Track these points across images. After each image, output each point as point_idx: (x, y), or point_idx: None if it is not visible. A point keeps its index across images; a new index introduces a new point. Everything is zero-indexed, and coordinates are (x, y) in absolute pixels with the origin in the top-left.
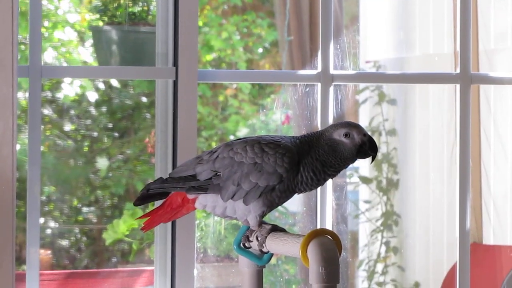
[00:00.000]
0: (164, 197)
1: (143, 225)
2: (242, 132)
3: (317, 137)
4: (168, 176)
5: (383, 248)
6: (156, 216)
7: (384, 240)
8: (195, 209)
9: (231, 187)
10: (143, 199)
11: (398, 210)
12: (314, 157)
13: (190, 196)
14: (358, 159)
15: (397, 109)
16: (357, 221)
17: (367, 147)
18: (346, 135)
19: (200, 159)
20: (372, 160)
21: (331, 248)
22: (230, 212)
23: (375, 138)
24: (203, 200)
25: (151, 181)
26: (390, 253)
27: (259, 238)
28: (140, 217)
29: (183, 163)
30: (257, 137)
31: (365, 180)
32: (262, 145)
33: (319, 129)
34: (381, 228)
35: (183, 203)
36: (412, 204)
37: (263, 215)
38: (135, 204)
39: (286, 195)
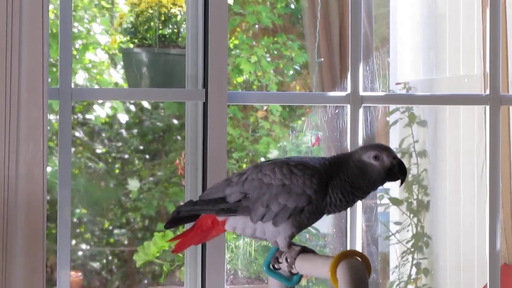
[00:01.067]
0: (195, 219)
1: (173, 248)
2: (273, 154)
3: (346, 158)
4: (198, 198)
5: (414, 269)
6: (187, 238)
7: (414, 261)
8: (225, 231)
9: (260, 209)
10: (174, 222)
11: (428, 231)
12: (343, 179)
13: (220, 218)
14: (387, 182)
15: (427, 130)
16: (388, 243)
17: (396, 170)
18: (375, 157)
19: (230, 181)
20: (401, 183)
21: (360, 270)
22: (260, 233)
23: (405, 160)
24: (233, 222)
25: (182, 204)
26: (420, 274)
27: (288, 260)
28: (171, 240)
29: (213, 185)
30: (286, 158)
31: (396, 201)
32: (290, 166)
33: (349, 150)
34: (412, 249)
35: (213, 225)
36: (443, 225)
37: (292, 236)
38: (166, 227)
39: (315, 216)
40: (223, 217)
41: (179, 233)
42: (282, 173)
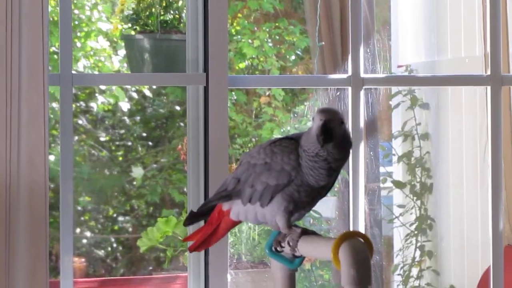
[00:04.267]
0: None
1: (190, 247)
2: None
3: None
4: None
5: (418, 252)
6: (200, 234)
7: (418, 244)
8: (233, 223)
9: (247, 189)
10: (192, 218)
11: (432, 214)
12: (303, 148)
13: (224, 208)
14: (324, 143)
15: (429, 113)
16: (391, 226)
17: (319, 132)
18: (313, 118)
19: (232, 172)
20: (323, 143)
21: (362, 250)
22: (261, 217)
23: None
24: (235, 210)
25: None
26: (424, 257)
27: (290, 243)
28: (185, 239)
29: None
30: (272, 139)
31: (399, 184)
32: (271, 146)
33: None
34: (416, 232)
35: (219, 216)
36: (446, 207)
37: (290, 213)
38: (185, 224)
39: (306, 190)
40: (226, 205)
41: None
42: (265, 153)
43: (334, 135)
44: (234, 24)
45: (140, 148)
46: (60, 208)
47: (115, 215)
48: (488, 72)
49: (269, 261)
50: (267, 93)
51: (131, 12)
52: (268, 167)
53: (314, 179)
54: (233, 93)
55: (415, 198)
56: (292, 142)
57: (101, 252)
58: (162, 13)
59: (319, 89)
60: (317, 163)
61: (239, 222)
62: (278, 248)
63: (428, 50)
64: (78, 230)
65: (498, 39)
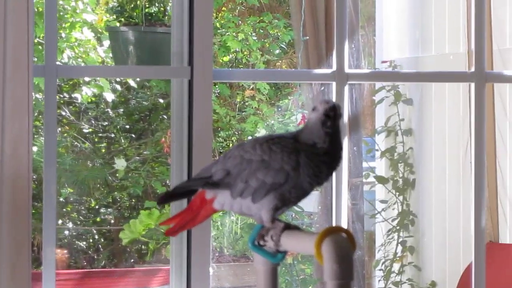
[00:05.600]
0: (186, 197)
1: (166, 230)
2: (261, 132)
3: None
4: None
5: (400, 247)
6: (178, 219)
7: (400, 239)
8: (214, 211)
9: (240, 184)
10: (167, 198)
11: (414, 209)
12: (301, 142)
13: (208, 196)
14: (326, 130)
15: (413, 109)
16: (373, 221)
17: (327, 110)
18: (313, 109)
19: (217, 161)
20: (330, 125)
21: (345, 245)
22: (246, 209)
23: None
24: (221, 199)
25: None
26: (406, 252)
27: (274, 238)
28: (162, 223)
29: (205, 165)
30: (268, 135)
31: (381, 179)
32: (269, 143)
33: None
34: (398, 227)
35: (202, 204)
36: (428, 203)
37: (276, 209)
38: (159, 203)
39: (296, 192)
40: (211, 194)
41: (169, 217)
42: (262, 149)
43: (337, 123)
44: (219, 17)
45: (123, 140)
46: (43, 199)
47: (97, 206)
48: (472, 69)
49: (252, 255)
50: (251, 87)
51: (115, 4)
52: (265, 165)
53: (310, 181)
54: (217, 86)
55: (397, 193)
56: (292, 141)
57: (83, 244)
58: (147, 5)
59: (303, 84)
60: (317, 156)
61: (221, 210)
62: (261, 242)
63: (412, 46)
64: (60, 221)
65: (482, 36)
